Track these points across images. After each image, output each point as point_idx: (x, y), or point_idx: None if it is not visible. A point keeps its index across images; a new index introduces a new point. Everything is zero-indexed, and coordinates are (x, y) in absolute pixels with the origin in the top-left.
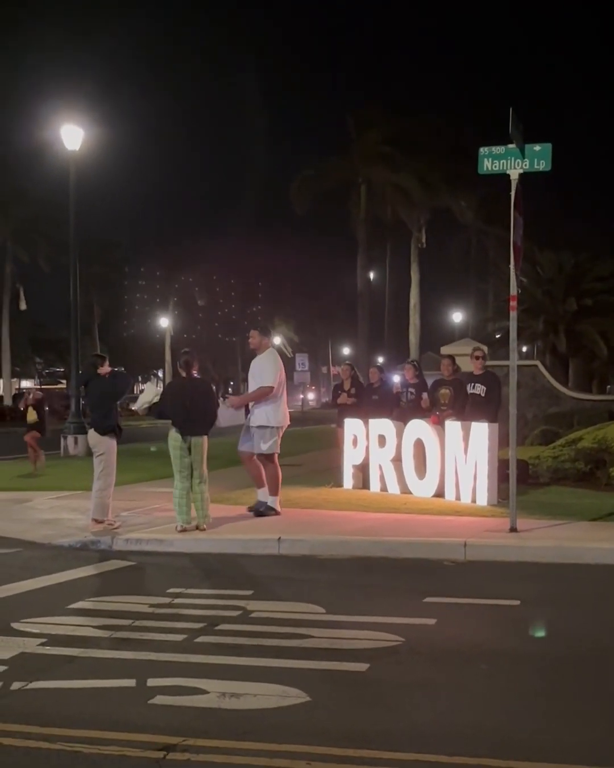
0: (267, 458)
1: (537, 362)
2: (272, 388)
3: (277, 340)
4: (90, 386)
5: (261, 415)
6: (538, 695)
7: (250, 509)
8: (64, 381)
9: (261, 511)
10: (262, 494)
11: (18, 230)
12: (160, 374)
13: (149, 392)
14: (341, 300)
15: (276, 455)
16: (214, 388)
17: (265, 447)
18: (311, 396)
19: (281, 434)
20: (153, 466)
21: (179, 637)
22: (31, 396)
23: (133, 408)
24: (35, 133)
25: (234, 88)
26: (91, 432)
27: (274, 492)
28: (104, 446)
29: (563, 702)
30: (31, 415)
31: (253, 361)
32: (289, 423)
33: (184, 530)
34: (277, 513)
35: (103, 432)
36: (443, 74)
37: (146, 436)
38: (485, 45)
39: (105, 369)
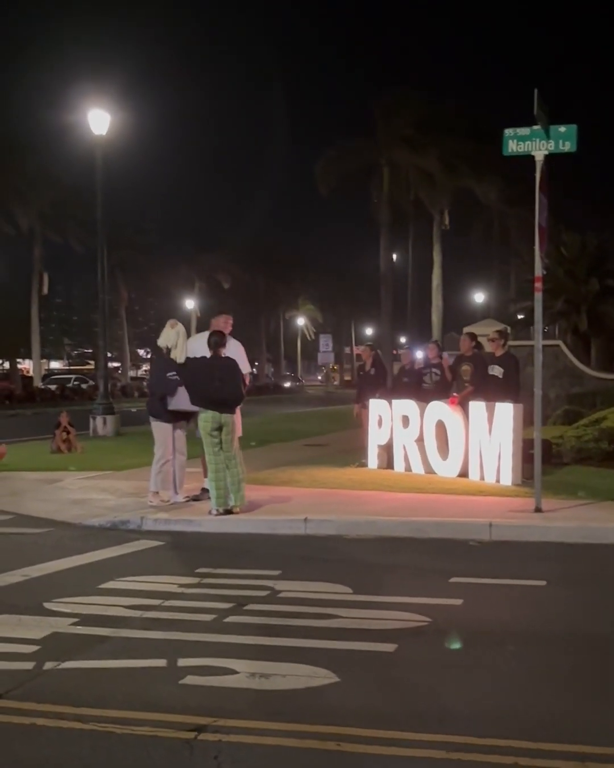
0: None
1: (560, 342)
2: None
3: (301, 320)
4: (154, 365)
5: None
6: (567, 676)
7: (196, 498)
8: (93, 362)
9: (199, 497)
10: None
11: (48, 213)
12: None
13: (170, 336)
14: (364, 281)
15: None
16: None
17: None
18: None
19: None
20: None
21: (208, 617)
22: None
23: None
24: (64, 117)
25: (260, 71)
26: None
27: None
28: (154, 425)
29: (592, 683)
30: None
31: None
32: None
33: (219, 514)
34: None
35: (150, 413)
36: (469, 55)
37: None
38: (513, 25)
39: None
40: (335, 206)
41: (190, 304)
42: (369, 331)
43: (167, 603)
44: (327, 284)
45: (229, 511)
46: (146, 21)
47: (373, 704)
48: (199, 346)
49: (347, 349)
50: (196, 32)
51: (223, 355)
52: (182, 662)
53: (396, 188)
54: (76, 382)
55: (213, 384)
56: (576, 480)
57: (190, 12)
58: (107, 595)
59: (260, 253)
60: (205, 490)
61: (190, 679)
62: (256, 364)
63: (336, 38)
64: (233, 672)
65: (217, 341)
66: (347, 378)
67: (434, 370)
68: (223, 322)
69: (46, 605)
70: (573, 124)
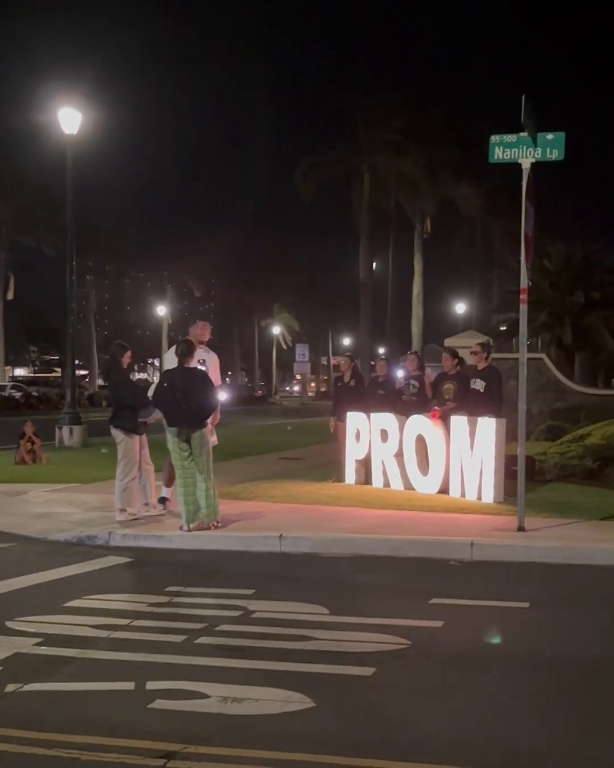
0: None
1: (543, 355)
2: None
3: (277, 329)
4: (117, 375)
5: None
6: (550, 701)
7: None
8: (59, 369)
9: (164, 506)
10: (168, 491)
11: (16, 216)
12: (157, 363)
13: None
14: (343, 289)
15: None
16: (210, 378)
17: None
18: (297, 388)
19: None
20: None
21: (179, 638)
22: None
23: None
24: (33, 116)
25: (238, 74)
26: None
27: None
28: (119, 439)
29: (575, 708)
30: None
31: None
32: None
33: (189, 530)
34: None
35: (118, 427)
36: (452, 61)
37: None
38: (498, 31)
39: (126, 360)
40: (314, 212)
41: (161, 310)
42: (347, 341)
43: (136, 623)
44: (304, 292)
45: (201, 527)
46: (122, 19)
47: (350, 731)
48: (171, 359)
49: (324, 360)
50: (173, 30)
51: (189, 366)
52: (151, 685)
53: (377, 194)
54: (12, 391)
55: (174, 396)
56: (559, 498)
57: (168, 10)
58: (73, 613)
59: (235, 259)
60: (163, 499)
61: (160, 704)
62: (230, 373)
63: (318, 42)
64: (204, 696)
65: (183, 350)
66: (323, 390)
67: (413, 382)
68: (201, 330)
69: (9, 624)
70: (561, 132)
